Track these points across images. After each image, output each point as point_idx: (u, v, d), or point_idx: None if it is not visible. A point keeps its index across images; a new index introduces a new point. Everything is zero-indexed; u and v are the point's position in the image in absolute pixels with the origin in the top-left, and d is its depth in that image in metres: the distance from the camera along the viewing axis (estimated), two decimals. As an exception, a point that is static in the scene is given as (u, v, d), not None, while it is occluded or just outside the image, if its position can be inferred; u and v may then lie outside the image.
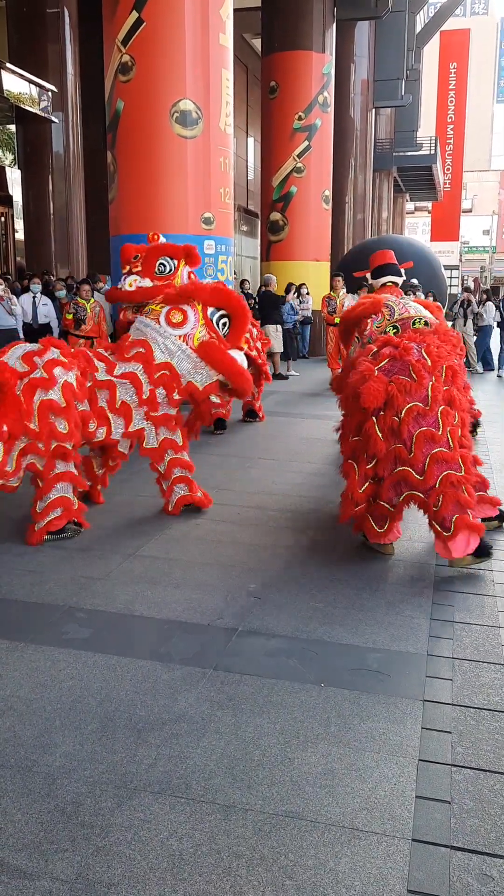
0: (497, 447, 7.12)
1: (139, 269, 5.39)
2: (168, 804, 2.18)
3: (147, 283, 5.33)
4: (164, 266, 5.38)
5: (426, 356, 4.04)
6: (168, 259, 5.40)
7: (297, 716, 2.63)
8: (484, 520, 4.29)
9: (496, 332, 14.10)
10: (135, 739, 2.48)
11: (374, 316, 4.59)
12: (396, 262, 5.12)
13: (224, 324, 4.72)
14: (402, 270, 5.10)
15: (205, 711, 2.64)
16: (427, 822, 2.13)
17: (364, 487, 4.03)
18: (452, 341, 4.38)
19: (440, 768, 2.37)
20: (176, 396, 4.64)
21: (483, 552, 3.96)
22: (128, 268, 5.45)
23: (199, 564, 4.06)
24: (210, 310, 4.69)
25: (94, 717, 2.61)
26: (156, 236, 5.77)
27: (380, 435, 3.91)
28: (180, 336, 4.61)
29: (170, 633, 3.25)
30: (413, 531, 4.64)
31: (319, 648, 3.13)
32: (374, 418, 3.94)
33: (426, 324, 4.46)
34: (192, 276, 5.59)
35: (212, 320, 4.67)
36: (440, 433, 3.89)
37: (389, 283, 4.95)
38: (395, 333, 4.39)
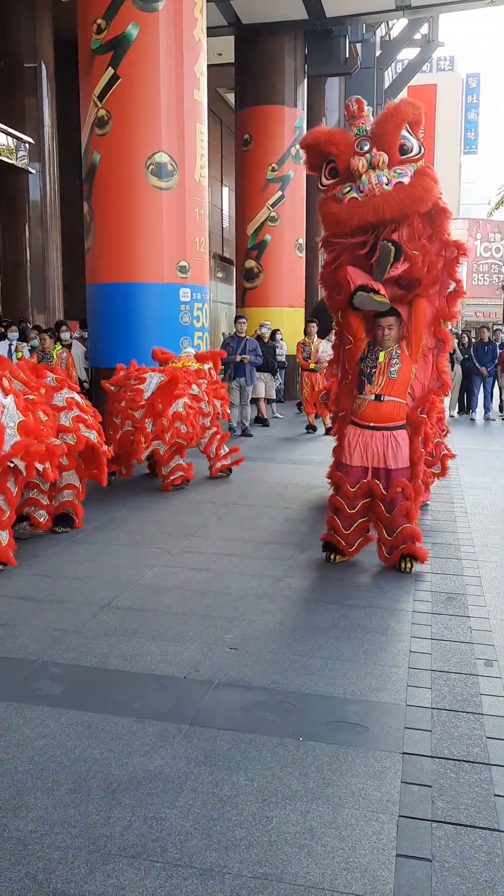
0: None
1: None
2: (143, 869, 2.12)
3: None
4: None
5: None
6: None
7: (276, 772, 2.58)
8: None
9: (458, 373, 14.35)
10: (109, 800, 2.42)
11: None
12: None
13: None
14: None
15: (181, 769, 2.59)
16: (408, 881, 2.09)
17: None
18: None
19: (421, 824, 2.33)
20: None
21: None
22: None
23: (176, 614, 4.02)
24: None
25: (68, 777, 2.54)
26: None
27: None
28: None
29: (145, 687, 3.19)
30: (387, 579, 4.64)
31: (297, 700, 3.09)
32: None
33: None
34: None
35: None
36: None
37: None
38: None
